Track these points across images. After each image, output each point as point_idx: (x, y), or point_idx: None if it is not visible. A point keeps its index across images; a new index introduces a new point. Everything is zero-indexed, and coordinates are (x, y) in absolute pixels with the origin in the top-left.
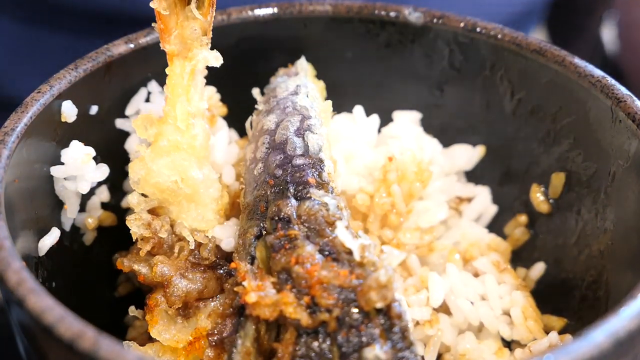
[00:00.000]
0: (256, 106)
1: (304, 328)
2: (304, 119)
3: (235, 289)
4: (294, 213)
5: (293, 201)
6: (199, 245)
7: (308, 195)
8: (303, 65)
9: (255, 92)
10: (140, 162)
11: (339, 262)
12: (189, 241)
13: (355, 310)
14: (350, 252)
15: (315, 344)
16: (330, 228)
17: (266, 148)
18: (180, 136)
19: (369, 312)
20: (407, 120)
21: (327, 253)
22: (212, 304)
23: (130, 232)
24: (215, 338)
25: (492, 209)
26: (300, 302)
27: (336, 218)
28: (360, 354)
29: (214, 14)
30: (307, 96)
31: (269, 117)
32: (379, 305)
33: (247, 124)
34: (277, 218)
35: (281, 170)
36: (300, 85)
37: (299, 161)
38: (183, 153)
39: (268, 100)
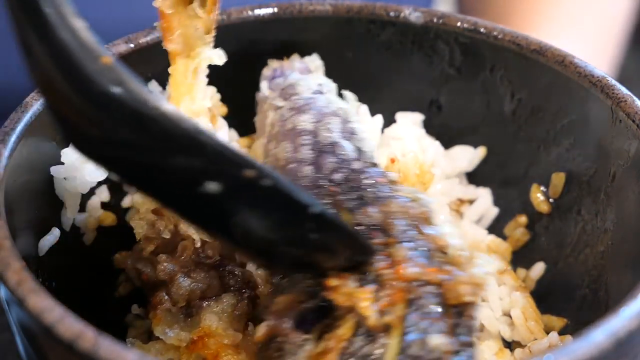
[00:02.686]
0: (270, 101)
1: (365, 328)
2: (344, 121)
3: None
4: (385, 216)
5: (394, 203)
6: (203, 243)
7: (390, 193)
8: (316, 62)
9: (264, 86)
10: None
11: (430, 259)
12: (193, 240)
13: (432, 301)
14: (442, 249)
15: (367, 348)
16: (425, 224)
17: (310, 149)
18: None
19: (446, 307)
20: (409, 122)
21: (420, 250)
22: (216, 303)
23: (134, 232)
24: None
25: (494, 211)
26: (375, 303)
27: (430, 212)
28: (425, 339)
29: (217, 12)
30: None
31: (303, 117)
32: (467, 299)
33: (260, 119)
34: (369, 225)
35: (340, 174)
36: (322, 84)
37: (356, 165)
38: None
39: (289, 98)
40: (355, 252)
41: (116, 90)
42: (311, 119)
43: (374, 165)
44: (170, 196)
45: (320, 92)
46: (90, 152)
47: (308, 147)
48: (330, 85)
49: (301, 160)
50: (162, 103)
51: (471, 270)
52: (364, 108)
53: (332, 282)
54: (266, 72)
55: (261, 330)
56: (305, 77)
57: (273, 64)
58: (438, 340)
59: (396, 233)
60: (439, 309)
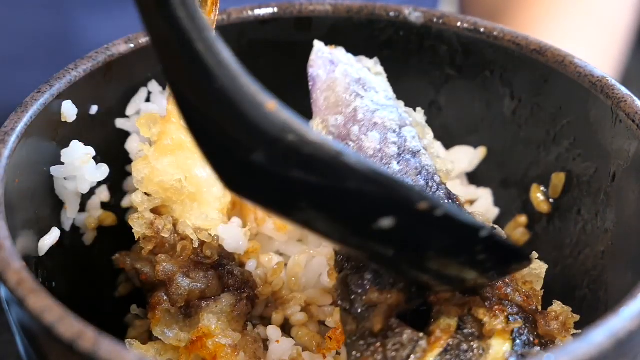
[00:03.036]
0: (348, 85)
1: (466, 329)
2: (417, 135)
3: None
4: None
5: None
6: (202, 243)
7: (468, 213)
8: (378, 68)
9: (340, 69)
10: (144, 161)
11: (512, 287)
12: (192, 240)
13: (528, 325)
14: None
15: (474, 344)
16: None
17: (397, 148)
18: (184, 135)
19: (537, 335)
20: None
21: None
22: (214, 303)
23: (133, 231)
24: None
25: (494, 212)
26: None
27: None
28: (538, 351)
29: (217, 12)
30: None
31: (390, 115)
32: (556, 335)
33: (327, 96)
34: None
35: (424, 181)
36: (389, 90)
37: (437, 178)
38: (187, 152)
39: (369, 91)
40: (517, 267)
41: (289, 137)
42: (397, 121)
43: (444, 184)
44: (346, 234)
45: (390, 98)
46: (259, 197)
47: (396, 147)
48: (394, 95)
49: (390, 156)
50: (333, 144)
51: (566, 314)
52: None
53: (444, 295)
54: (319, 52)
55: (377, 324)
56: (377, 77)
57: (322, 47)
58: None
59: None
60: (533, 333)
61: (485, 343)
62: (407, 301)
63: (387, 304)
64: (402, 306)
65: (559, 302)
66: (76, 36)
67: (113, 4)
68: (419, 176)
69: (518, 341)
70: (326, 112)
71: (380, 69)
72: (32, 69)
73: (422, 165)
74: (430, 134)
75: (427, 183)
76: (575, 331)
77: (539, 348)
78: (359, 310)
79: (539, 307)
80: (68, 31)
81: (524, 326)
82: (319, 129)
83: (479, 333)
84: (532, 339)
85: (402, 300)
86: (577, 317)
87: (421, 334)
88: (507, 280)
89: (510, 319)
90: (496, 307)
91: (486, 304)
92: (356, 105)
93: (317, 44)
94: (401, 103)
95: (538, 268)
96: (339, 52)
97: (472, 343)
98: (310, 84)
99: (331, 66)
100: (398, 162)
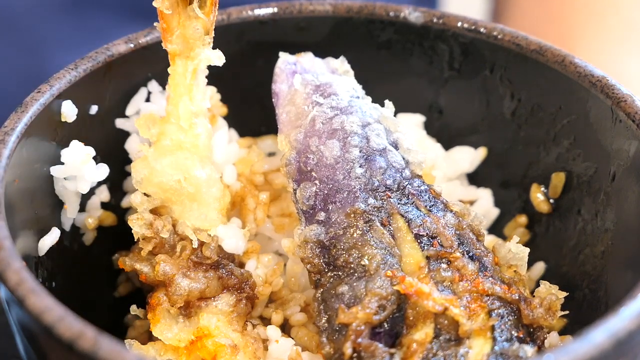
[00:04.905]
0: (307, 96)
1: (446, 332)
2: (388, 130)
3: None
4: (442, 228)
5: (449, 216)
6: (201, 244)
7: (444, 207)
8: (346, 66)
9: (297, 80)
10: (143, 161)
11: (493, 277)
12: (191, 240)
13: (511, 318)
14: (497, 263)
15: (450, 350)
16: (478, 238)
17: (360, 151)
18: (184, 135)
19: (521, 325)
20: (410, 124)
21: (481, 266)
22: (214, 303)
23: (132, 231)
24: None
25: (494, 212)
26: (462, 309)
27: (482, 227)
28: (519, 346)
29: (217, 13)
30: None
31: (350, 118)
32: (542, 322)
33: (289, 111)
34: (428, 235)
35: (392, 180)
36: (356, 89)
37: (407, 173)
38: (186, 152)
39: (328, 96)
40: None
41: None
42: (358, 122)
43: (419, 177)
44: None
45: (357, 97)
46: None
47: (358, 149)
48: (363, 92)
49: (352, 160)
50: None
51: (551, 297)
52: (404, 118)
53: (411, 284)
54: (282, 65)
55: (348, 350)
56: (340, 78)
57: (287, 57)
58: (530, 350)
59: (455, 245)
60: (517, 325)
61: (464, 347)
62: (379, 313)
63: (358, 322)
64: (373, 321)
65: (546, 282)
66: None
67: (89, 44)
68: (384, 175)
69: (499, 338)
70: (289, 127)
71: (347, 67)
72: (10, 109)
73: (388, 163)
74: (400, 126)
75: (395, 180)
76: (562, 312)
77: (518, 344)
78: (336, 329)
79: (527, 292)
80: (45, 71)
81: (506, 319)
82: (283, 145)
83: (457, 336)
84: (514, 332)
85: (371, 315)
86: (562, 299)
87: (393, 350)
88: (487, 273)
89: (492, 314)
90: (474, 304)
91: (463, 302)
92: (314, 114)
93: (282, 56)
94: (368, 99)
95: (520, 252)
96: (305, 59)
97: (449, 351)
98: (273, 100)
99: (292, 78)
100: (360, 165)
